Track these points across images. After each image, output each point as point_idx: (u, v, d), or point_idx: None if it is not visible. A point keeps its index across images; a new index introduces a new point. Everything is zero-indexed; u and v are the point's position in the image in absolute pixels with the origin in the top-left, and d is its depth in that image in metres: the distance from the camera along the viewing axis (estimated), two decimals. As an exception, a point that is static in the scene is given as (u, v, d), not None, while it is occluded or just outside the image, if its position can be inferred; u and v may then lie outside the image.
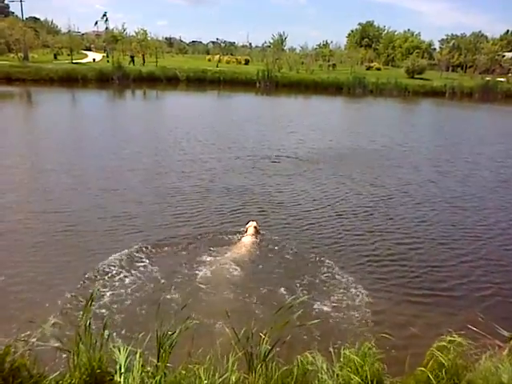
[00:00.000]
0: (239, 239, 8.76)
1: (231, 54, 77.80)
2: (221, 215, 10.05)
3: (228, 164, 14.72)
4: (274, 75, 49.79)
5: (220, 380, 3.59)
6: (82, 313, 3.72)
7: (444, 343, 3.98)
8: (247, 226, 9.00)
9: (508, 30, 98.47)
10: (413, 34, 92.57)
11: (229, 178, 13.01)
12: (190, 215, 9.92)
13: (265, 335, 3.78)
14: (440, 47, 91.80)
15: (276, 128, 23.05)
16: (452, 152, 18.97)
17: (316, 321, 4.10)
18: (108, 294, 6.42)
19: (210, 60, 67.56)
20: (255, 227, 8.93)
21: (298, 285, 7.04)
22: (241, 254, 8.14)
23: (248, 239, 8.64)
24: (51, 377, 3.60)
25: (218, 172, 13.66)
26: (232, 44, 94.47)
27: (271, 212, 10.33)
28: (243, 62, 66.46)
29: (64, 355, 3.86)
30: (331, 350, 4.12)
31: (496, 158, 18.24)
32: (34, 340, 3.81)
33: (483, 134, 25.76)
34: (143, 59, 53.09)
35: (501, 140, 23.49)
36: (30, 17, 78.33)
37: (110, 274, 7.00)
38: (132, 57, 53.03)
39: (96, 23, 76.97)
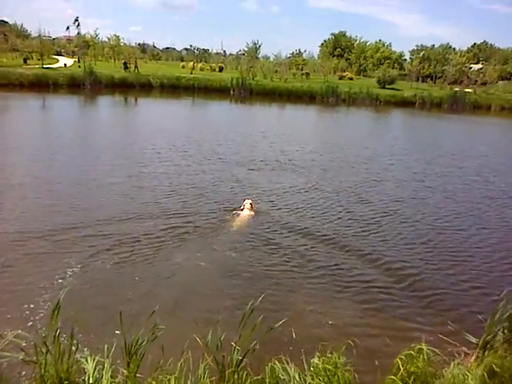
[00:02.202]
0: (237, 214, 10.26)
1: (205, 61, 77.87)
2: (207, 229, 9.62)
3: (213, 176, 14.14)
4: (248, 83, 49.98)
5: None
6: (47, 323, 3.62)
7: (412, 352, 4.04)
8: (244, 202, 10.46)
9: (475, 43, 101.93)
10: (384, 45, 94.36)
11: (215, 193, 12.29)
12: (169, 224, 9.62)
13: (236, 343, 3.76)
14: (410, 58, 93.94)
15: (258, 139, 22.47)
16: (435, 166, 18.70)
17: (282, 321, 4.13)
18: (74, 302, 6.24)
19: (183, 67, 67.25)
20: (251, 204, 10.48)
21: (276, 290, 7.22)
22: (236, 232, 9.43)
23: (246, 212, 10.26)
24: (16, 390, 3.50)
25: (205, 185, 13.03)
26: (206, 51, 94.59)
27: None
28: (217, 70, 66.55)
29: (30, 367, 3.73)
30: (303, 357, 4.12)
31: (480, 172, 18.06)
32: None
33: (461, 147, 26.05)
34: (135, 66, 52.37)
35: (479, 152, 23.79)
36: (-2, 20, 76.58)
37: (77, 283, 6.94)
38: (125, 63, 52.55)
39: (68, 28, 75.67)
